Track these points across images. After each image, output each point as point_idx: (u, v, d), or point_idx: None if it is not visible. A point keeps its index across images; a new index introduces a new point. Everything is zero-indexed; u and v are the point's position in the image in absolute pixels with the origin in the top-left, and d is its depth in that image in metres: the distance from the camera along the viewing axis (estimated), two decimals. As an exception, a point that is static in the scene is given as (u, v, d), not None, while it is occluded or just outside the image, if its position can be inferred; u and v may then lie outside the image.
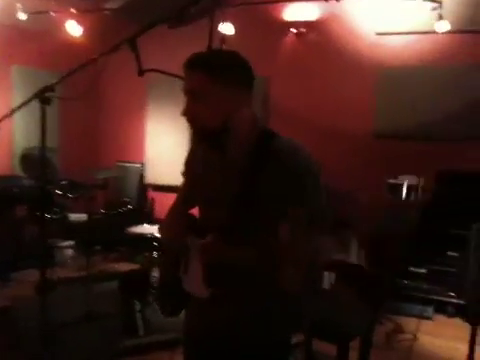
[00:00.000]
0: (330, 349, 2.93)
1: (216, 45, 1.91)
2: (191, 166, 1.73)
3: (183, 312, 1.70)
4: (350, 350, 2.56)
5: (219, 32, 3.61)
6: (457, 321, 4.08)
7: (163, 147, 5.68)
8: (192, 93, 1.48)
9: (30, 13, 4.82)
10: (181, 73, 2.39)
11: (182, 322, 1.71)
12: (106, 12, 4.88)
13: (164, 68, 2.22)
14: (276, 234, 1.39)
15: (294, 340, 3.25)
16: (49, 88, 2.48)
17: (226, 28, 4.32)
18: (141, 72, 2.16)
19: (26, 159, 4.93)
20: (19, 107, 2.46)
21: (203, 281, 1.50)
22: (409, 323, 3.97)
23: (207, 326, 1.60)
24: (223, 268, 1.48)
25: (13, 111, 2.48)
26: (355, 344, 2.61)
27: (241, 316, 1.53)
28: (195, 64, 1.47)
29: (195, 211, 1.74)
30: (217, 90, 1.45)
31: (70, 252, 5.13)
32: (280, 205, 1.40)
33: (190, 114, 1.49)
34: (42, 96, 2.46)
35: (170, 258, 1.70)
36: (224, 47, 1.63)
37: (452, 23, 4.31)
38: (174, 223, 1.71)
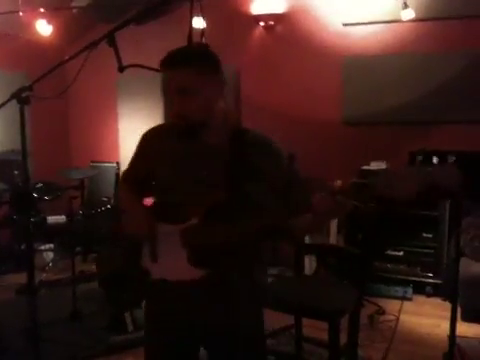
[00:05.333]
0: (319, 333, 3.00)
1: (195, 38, 1.93)
2: (151, 155, 1.76)
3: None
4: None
5: (192, 26, 3.61)
6: (436, 300, 4.21)
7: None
8: (182, 90, 1.51)
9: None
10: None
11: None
12: (74, 10, 4.82)
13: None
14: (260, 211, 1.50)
15: (282, 324, 3.33)
16: (27, 88, 2.46)
17: (198, 22, 4.32)
18: (121, 68, 2.16)
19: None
20: (-3, 109, 2.43)
21: (190, 263, 1.53)
22: (390, 304, 4.09)
23: (190, 310, 1.61)
24: (209, 249, 1.53)
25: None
26: (343, 325, 2.67)
27: (232, 295, 1.59)
28: (182, 62, 1.52)
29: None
30: (206, 84, 1.52)
31: (50, 255, 5.07)
32: (264, 183, 1.55)
33: (182, 111, 1.53)
34: (20, 96, 2.44)
35: (127, 249, 1.71)
36: (204, 40, 1.65)
37: (416, 11, 4.42)
38: (140, 214, 1.67)
